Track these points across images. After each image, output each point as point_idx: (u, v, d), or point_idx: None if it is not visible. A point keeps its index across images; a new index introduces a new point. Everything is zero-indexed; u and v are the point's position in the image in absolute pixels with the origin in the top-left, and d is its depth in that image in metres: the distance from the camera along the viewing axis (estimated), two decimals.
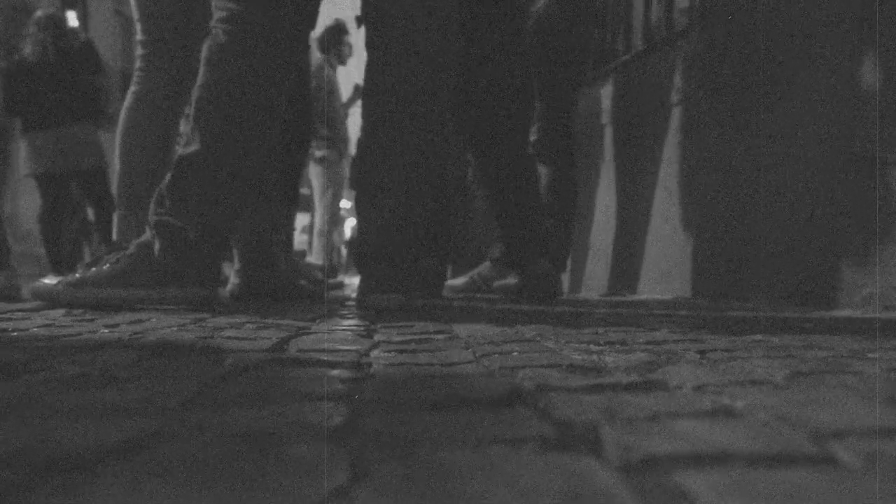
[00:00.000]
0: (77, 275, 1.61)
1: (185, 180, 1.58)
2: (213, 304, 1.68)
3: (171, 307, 1.58)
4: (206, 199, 1.59)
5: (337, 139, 5.13)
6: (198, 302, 1.63)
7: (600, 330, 1.13)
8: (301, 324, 1.23)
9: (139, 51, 2.09)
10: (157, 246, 1.59)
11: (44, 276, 1.87)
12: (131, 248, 1.63)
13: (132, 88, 2.09)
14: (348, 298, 2.37)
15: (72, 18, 4.99)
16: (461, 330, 1.13)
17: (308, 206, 5.27)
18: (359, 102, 5.39)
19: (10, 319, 1.28)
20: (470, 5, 2.33)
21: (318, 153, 4.97)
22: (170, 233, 1.59)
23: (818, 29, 2.04)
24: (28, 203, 9.44)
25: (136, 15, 2.09)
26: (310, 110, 2.85)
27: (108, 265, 1.60)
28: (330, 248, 5.20)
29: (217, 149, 1.58)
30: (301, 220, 5.96)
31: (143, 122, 2.04)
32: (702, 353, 0.83)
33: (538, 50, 2.78)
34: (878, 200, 1.81)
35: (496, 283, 2.80)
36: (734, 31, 2.44)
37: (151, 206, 1.62)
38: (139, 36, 2.09)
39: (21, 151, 4.86)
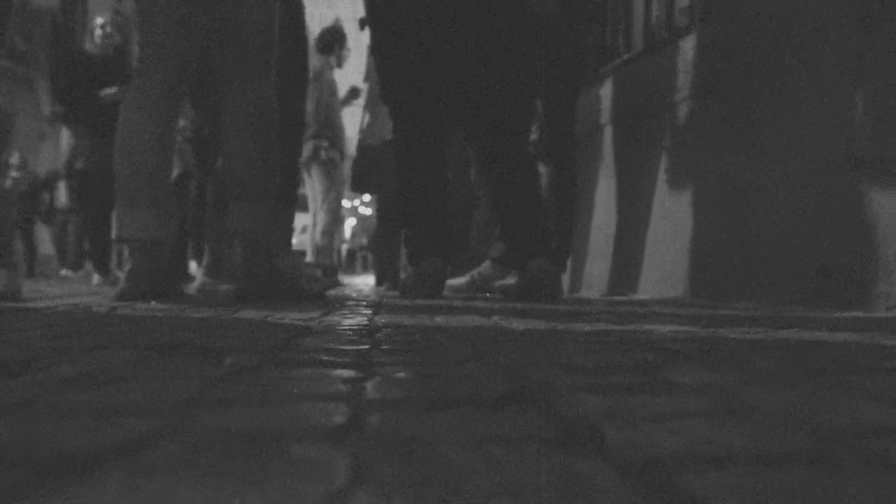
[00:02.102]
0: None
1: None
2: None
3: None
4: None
5: (337, 140, 5.14)
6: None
7: (600, 330, 1.13)
8: (301, 324, 1.23)
9: (138, 52, 2.10)
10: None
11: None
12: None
13: (133, 83, 2.09)
14: (348, 298, 2.37)
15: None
16: (461, 330, 1.13)
17: (308, 207, 5.26)
18: (352, 102, 5.41)
19: (10, 319, 1.28)
20: (472, 7, 2.33)
21: (325, 154, 4.98)
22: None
23: (819, 29, 2.04)
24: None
25: (135, 17, 2.09)
26: (303, 111, 2.86)
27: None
28: (331, 249, 5.20)
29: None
30: (301, 220, 5.98)
31: (142, 123, 2.04)
32: (702, 352, 0.83)
33: (539, 50, 2.78)
34: (878, 200, 1.81)
35: (496, 283, 2.80)
36: (734, 31, 2.44)
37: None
38: (138, 38, 2.10)
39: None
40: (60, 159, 4.97)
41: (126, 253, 2.08)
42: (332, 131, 5.02)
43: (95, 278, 4.93)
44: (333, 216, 5.14)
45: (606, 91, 3.32)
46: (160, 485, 0.34)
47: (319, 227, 5.04)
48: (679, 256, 2.69)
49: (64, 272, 8.65)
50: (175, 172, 4.63)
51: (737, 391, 0.57)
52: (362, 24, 2.60)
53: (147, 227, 2.02)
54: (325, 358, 0.79)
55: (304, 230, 6.48)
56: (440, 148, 2.47)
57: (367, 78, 4.23)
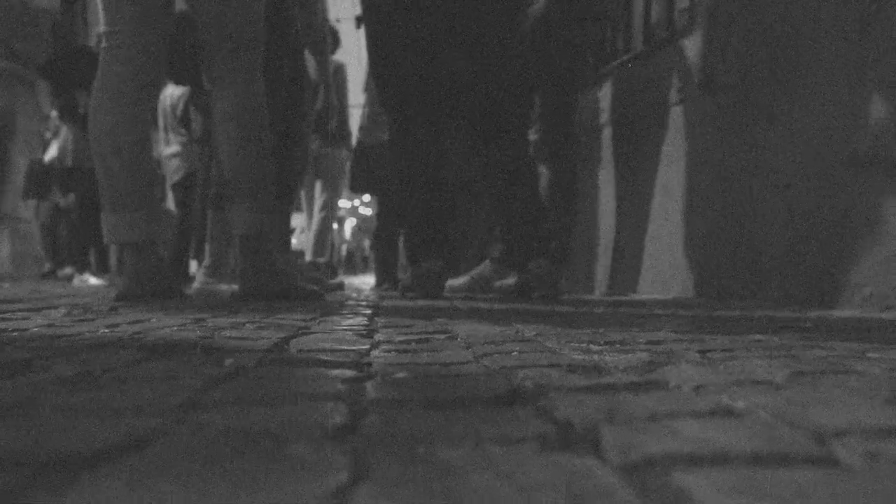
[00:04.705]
0: None
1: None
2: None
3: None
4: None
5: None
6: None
7: (600, 330, 1.13)
8: (301, 324, 1.23)
9: (102, 42, 2.01)
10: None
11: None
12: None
13: (96, 83, 2.00)
14: (349, 298, 2.37)
15: None
16: (461, 330, 1.13)
17: (303, 207, 5.27)
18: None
19: (10, 319, 1.28)
20: (469, 7, 2.33)
21: (340, 152, 4.99)
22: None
23: (819, 28, 2.04)
24: (29, 203, 9.48)
25: (99, 5, 2.02)
26: (301, 108, 2.85)
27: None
28: (330, 248, 5.20)
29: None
30: (299, 220, 5.97)
31: (112, 128, 1.96)
32: (702, 353, 0.83)
33: (538, 50, 2.78)
34: (878, 200, 1.81)
35: (496, 283, 2.80)
36: (734, 31, 2.44)
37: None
38: (102, 26, 2.01)
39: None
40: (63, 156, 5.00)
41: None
42: (341, 129, 5.03)
43: (76, 279, 4.92)
44: (330, 216, 5.14)
45: (606, 91, 3.32)
46: (160, 484, 0.34)
47: (317, 226, 5.04)
48: (679, 256, 2.69)
49: None
50: (181, 173, 4.64)
51: (736, 391, 0.57)
52: (358, 22, 2.59)
53: (134, 229, 1.98)
54: (325, 358, 0.79)
55: (302, 231, 6.48)
56: (437, 148, 2.47)
57: (367, 87, 4.23)
